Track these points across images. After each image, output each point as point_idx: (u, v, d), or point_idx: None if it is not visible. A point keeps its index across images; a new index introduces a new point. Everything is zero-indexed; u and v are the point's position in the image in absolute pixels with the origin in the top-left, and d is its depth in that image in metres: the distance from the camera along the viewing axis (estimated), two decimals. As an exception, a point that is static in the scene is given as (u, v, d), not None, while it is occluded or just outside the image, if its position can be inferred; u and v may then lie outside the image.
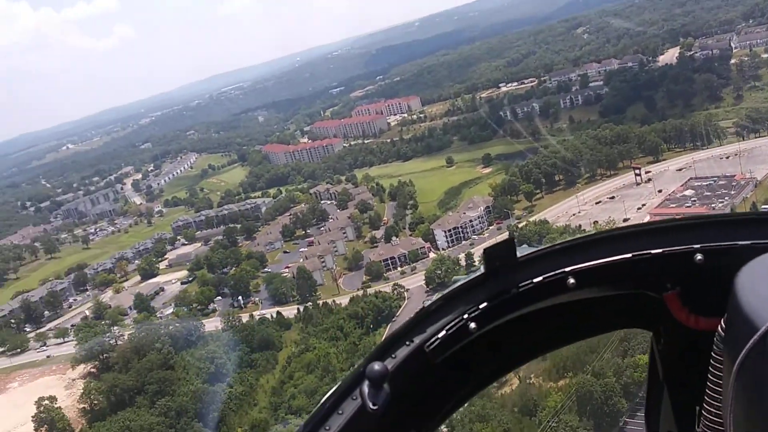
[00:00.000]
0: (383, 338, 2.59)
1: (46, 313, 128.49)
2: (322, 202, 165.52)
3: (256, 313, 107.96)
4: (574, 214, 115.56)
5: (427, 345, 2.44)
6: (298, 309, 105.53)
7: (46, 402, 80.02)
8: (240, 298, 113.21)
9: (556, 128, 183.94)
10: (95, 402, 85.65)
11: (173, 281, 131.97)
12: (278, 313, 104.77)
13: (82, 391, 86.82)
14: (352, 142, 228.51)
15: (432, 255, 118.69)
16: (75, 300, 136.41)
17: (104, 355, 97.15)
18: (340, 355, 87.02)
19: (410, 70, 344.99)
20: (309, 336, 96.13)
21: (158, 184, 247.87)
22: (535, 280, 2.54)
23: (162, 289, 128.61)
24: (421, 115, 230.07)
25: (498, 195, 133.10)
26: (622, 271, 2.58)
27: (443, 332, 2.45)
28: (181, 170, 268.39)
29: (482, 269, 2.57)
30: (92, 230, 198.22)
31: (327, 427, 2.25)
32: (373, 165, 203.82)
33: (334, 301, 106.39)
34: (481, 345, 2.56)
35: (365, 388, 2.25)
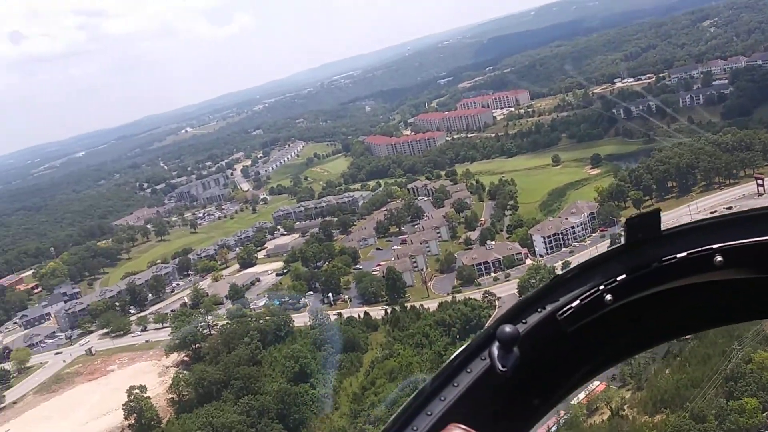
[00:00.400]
0: (514, 303, 2.51)
1: (150, 296, 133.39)
2: (419, 198, 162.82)
3: (345, 311, 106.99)
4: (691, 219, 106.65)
5: (560, 313, 2.43)
6: (385, 310, 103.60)
7: (137, 391, 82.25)
8: (330, 294, 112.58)
9: (674, 129, 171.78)
10: (184, 393, 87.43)
11: (269, 272, 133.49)
12: (366, 313, 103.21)
13: (171, 381, 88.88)
14: (455, 136, 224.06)
15: (528, 262, 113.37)
16: (177, 285, 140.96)
17: (196, 345, 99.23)
18: (423, 365, 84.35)
19: (521, 62, 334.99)
20: (394, 341, 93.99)
21: (266, 171, 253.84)
22: (678, 256, 2.45)
23: (258, 280, 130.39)
24: (529, 110, 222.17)
25: (604, 200, 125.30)
26: None
27: (577, 302, 2.43)
28: (288, 158, 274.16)
29: (623, 240, 2.52)
30: (200, 214, 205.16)
31: (455, 384, 2.29)
32: (475, 160, 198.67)
33: (422, 305, 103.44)
34: (616, 318, 2.50)
35: (495, 349, 2.28)
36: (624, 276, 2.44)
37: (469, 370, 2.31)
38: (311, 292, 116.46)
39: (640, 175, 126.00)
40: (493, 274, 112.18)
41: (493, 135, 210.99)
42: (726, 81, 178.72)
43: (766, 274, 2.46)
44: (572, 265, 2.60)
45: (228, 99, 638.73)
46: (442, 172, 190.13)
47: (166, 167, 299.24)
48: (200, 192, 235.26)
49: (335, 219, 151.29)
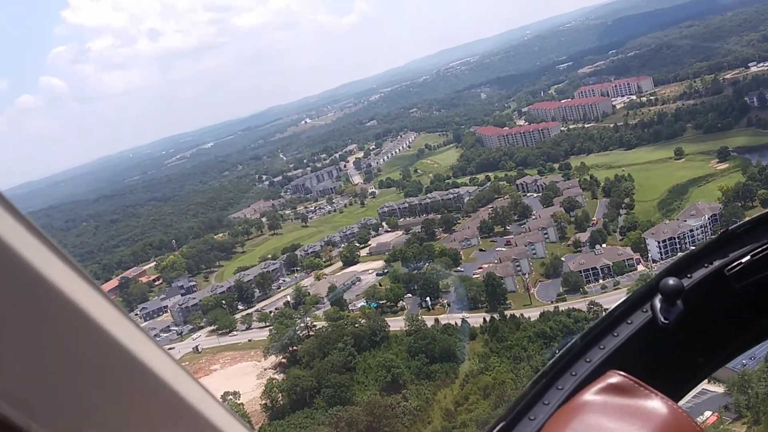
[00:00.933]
0: (680, 256, 2.39)
1: (257, 293, 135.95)
2: (528, 194, 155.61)
3: (443, 317, 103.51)
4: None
5: (729, 269, 2.29)
6: (484, 318, 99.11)
7: (230, 398, 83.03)
8: (428, 299, 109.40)
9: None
10: (277, 399, 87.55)
11: (370, 271, 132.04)
12: (463, 320, 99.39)
13: (265, 386, 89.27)
14: (571, 126, 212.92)
15: (640, 268, 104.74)
16: (284, 281, 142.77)
17: (293, 348, 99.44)
18: (519, 381, 79.48)
19: (647, 44, 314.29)
20: (491, 353, 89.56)
21: (377, 163, 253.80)
22: None
23: (358, 279, 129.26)
24: (652, 98, 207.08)
25: (729, 200, 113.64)
26: None
27: (748, 257, 2.28)
28: (399, 149, 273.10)
29: None
30: (312, 208, 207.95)
31: (615, 334, 2.23)
32: (591, 152, 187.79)
33: (522, 314, 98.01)
34: None
35: (657, 302, 2.20)
36: None
37: (629, 322, 2.24)
38: (410, 295, 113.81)
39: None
40: (601, 281, 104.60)
41: (611, 125, 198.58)
42: None
43: None
44: (743, 221, 2.42)
45: (347, 89, 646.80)
46: (556, 165, 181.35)
47: (284, 158, 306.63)
48: (314, 185, 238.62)
49: (439, 216, 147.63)
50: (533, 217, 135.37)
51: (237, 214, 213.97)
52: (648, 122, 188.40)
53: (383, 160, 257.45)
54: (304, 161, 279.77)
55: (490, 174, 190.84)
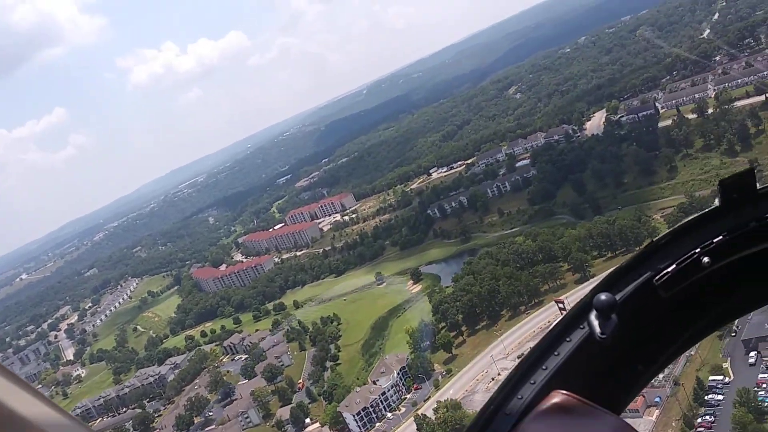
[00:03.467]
0: (610, 271, 2.43)
1: None
2: (235, 357, 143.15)
3: None
4: (495, 377, 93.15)
5: (656, 279, 2.35)
6: None
7: None
8: None
9: (487, 223, 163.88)
10: None
11: None
12: None
13: None
14: (285, 256, 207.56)
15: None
16: None
17: None
18: None
19: (355, 149, 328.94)
20: None
21: (93, 325, 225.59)
22: None
23: None
24: (354, 216, 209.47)
25: (416, 345, 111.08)
26: None
27: (674, 266, 2.35)
28: (120, 302, 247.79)
29: (717, 202, 2.42)
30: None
31: (556, 353, 2.26)
32: (305, 284, 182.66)
33: None
34: (715, 282, 2.40)
35: (593, 317, 2.25)
36: (721, 237, 2.33)
37: (569, 339, 2.27)
38: None
39: (446, 310, 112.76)
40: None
41: (320, 251, 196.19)
42: (528, 161, 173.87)
43: None
44: (666, 232, 2.48)
45: (74, 227, 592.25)
46: (270, 306, 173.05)
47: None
48: (18, 371, 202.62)
49: (138, 411, 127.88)
50: (236, 397, 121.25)
51: None
52: (352, 243, 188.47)
53: (100, 320, 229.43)
54: (8, 340, 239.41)
55: (207, 326, 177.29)
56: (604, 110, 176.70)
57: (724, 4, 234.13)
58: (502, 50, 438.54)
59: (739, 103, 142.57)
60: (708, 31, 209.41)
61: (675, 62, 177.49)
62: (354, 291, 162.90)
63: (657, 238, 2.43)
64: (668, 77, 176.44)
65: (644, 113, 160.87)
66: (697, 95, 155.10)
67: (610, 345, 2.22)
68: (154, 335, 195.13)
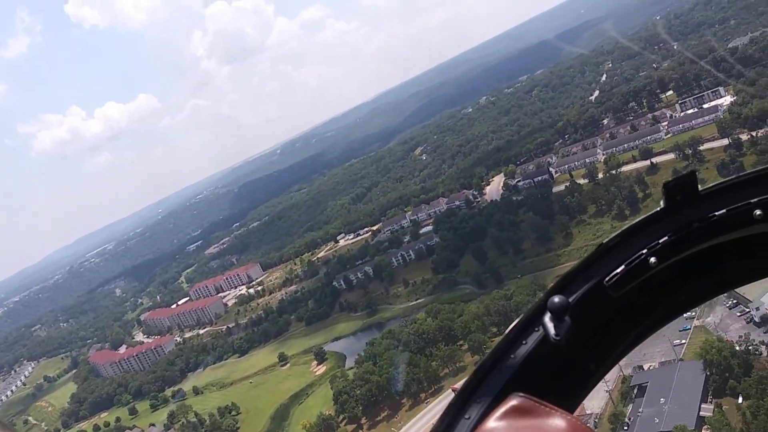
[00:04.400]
0: (563, 274, 2.47)
1: None
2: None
3: None
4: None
5: (607, 280, 2.40)
6: None
7: None
8: None
9: (393, 294, 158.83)
10: None
11: None
12: None
13: None
14: (187, 335, 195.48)
15: None
16: None
17: None
18: None
19: (267, 212, 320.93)
20: None
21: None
22: (717, 213, 2.42)
23: None
24: (260, 288, 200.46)
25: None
26: None
27: (622, 267, 2.40)
28: (14, 388, 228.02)
29: (662, 204, 2.49)
30: None
31: (513, 356, 2.29)
32: (207, 365, 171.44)
33: None
34: (662, 280, 2.49)
35: (547, 320, 2.28)
36: (666, 238, 2.41)
37: (525, 342, 2.30)
38: None
39: (345, 401, 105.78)
40: None
41: (224, 328, 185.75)
42: (431, 228, 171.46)
43: None
44: (614, 234, 2.52)
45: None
46: (170, 393, 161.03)
47: None
48: None
49: None
50: None
51: None
52: (257, 319, 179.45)
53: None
54: None
55: (104, 414, 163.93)
56: (502, 174, 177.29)
57: (611, 65, 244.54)
58: (409, 109, 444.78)
59: (626, 168, 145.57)
60: (597, 92, 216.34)
61: (566, 126, 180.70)
62: (256, 374, 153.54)
63: (607, 240, 2.46)
64: (561, 140, 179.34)
65: (539, 178, 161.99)
66: (587, 159, 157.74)
67: (565, 346, 2.26)
68: (45, 429, 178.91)
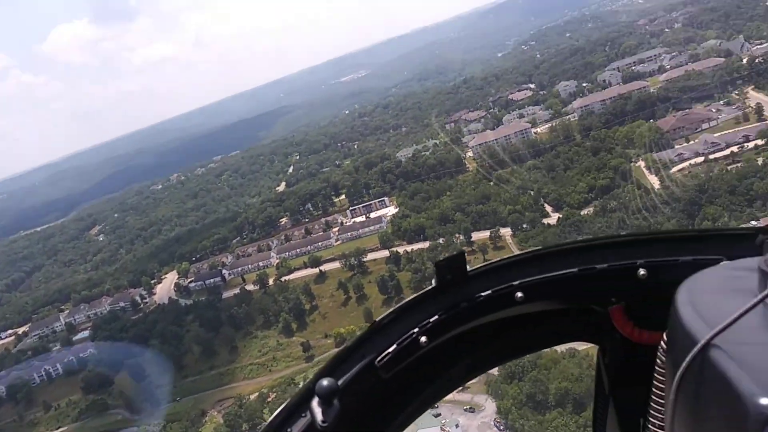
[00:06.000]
0: (333, 355, 2.41)
1: None
2: None
3: None
4: None
5: (378, 360, 2.35)
6: None
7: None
8: None
9: (29, 421, 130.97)
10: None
11: None
12: None
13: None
14: None
15: None
16: None
17: None
18: None
19: None
20: None
21: None
22: (483, 294, 2.47)
23: None
24: None
25: None
26: (568, 285, 2.51)
27: (394, 346, 2.37)
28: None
29: (433, 282, 2.50)
30: None
31: None
32: None
33: None
34: (432, 359, 2.49)
35: (315, 405, 2.16)
36: (437, 317, 2.41)
37: (289, 430, 2.17)
38: None
39: None
40: None
41: None
42: (89, 333, 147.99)
43: (560, 305, 2.57)
44: (388, 311, 2.54)
45: None
46: None
47: None
48: None
49: None
50: None
51: None
52: None
53: None
54: None
55: None
56: (176, 272, 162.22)
57: (298, 157, 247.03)
58: (100, 176, 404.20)
59: (297, 274, 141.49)
60: (283, 184, 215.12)
61: (244, 223, 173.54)
62: None
63: (381, 317, 2.43)
64: (238, 238, 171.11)
65: (212, 280, 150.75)
66: (261, 263, 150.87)
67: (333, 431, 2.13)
68: None
